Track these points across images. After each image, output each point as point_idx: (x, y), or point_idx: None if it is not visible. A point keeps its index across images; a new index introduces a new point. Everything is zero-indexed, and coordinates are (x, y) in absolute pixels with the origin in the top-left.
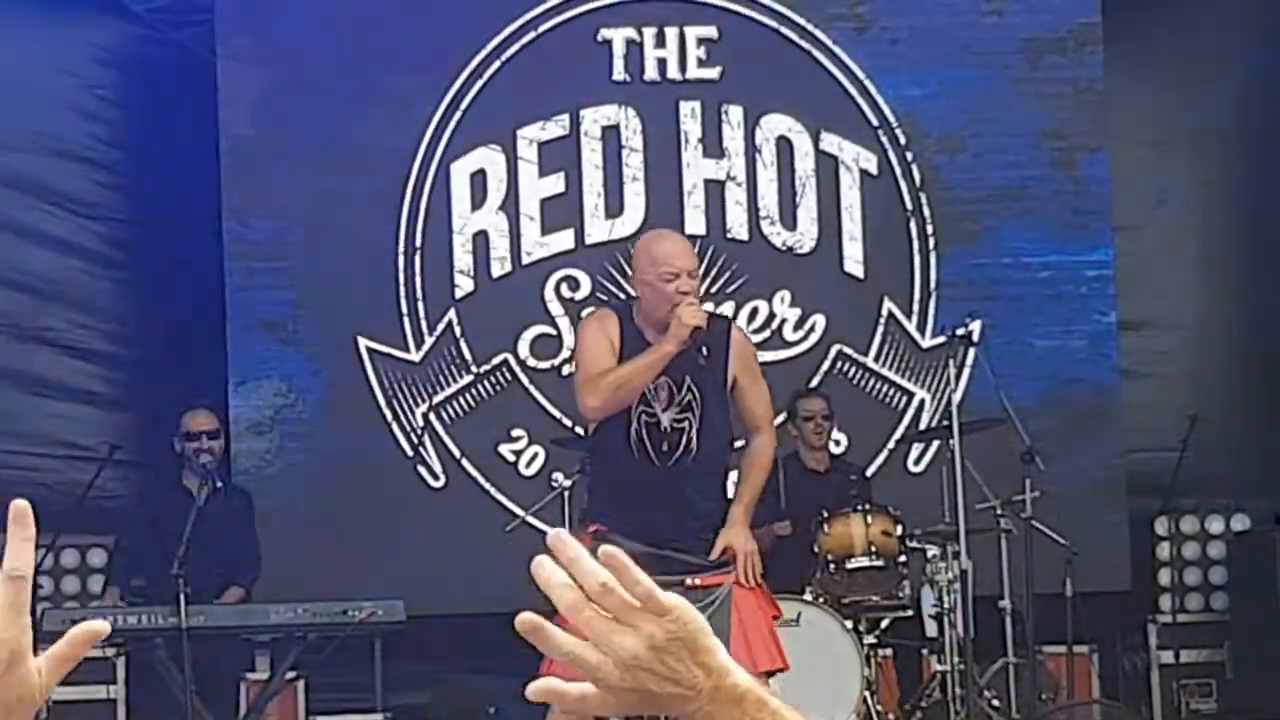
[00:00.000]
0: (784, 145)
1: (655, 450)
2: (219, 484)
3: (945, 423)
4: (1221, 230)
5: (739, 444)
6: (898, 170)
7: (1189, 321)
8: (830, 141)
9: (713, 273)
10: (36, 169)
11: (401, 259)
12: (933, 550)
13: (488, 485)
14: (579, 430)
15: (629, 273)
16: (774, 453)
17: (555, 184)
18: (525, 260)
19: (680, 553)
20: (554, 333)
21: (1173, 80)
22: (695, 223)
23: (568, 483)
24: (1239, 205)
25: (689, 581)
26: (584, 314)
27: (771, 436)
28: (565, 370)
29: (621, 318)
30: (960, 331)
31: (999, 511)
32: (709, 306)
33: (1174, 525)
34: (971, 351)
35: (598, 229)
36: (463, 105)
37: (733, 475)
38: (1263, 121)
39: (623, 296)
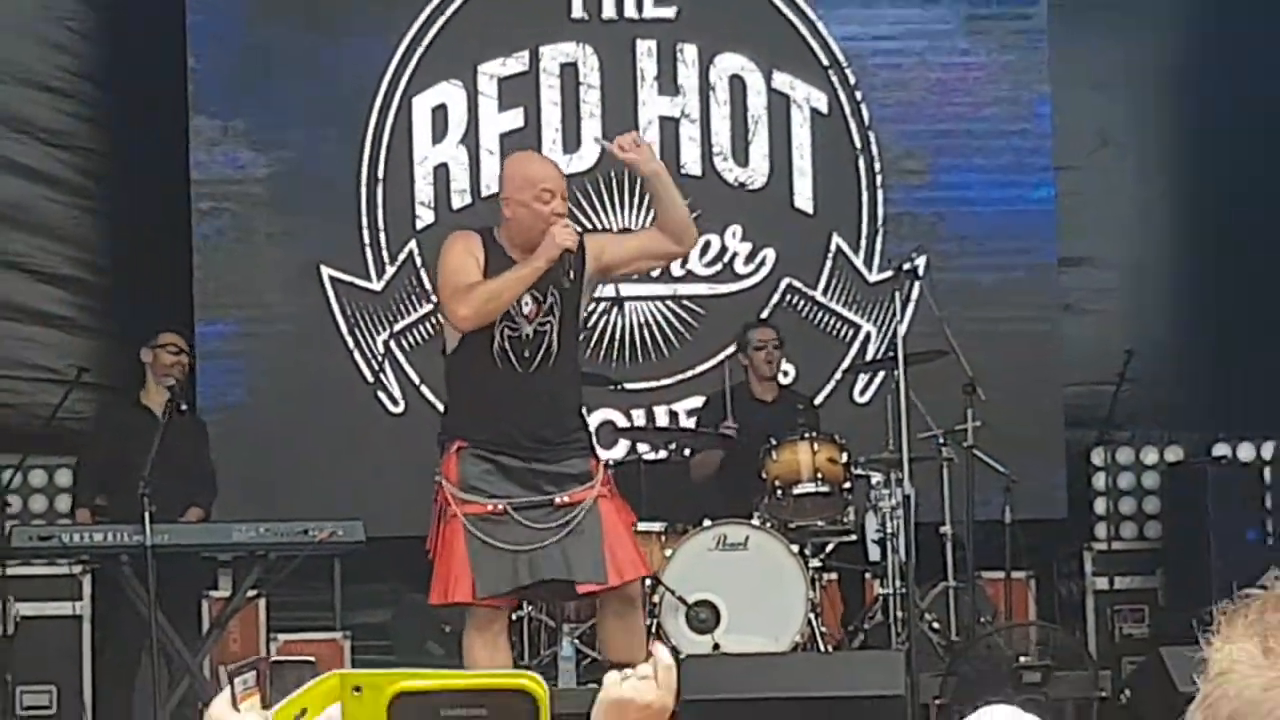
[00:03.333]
0: (737, 84)
1: (518, 358)
2: (183, 407)
3: (890, 354)
4: (1159, 170)
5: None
6: (847, 109)
7: (1127, 259)
8: (782, 80)
9: None
10: (5, 98)
11: (364, 190)
12: (877, 477)
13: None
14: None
15: (503, 194)
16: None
17: (514, 119)
18: (484, 193)
19: (543, 463)
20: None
21: (1114, 26)
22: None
23: None
24: (1177, 147)
25: (557, 500)
26: (449, 236)
27: None
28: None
29: (484, 237)
30: (906, 266)
31: (941, 441)
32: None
33: (1110, 456)
34: (916, 286)
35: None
36: (425, 41)
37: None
38: (1200, 66)
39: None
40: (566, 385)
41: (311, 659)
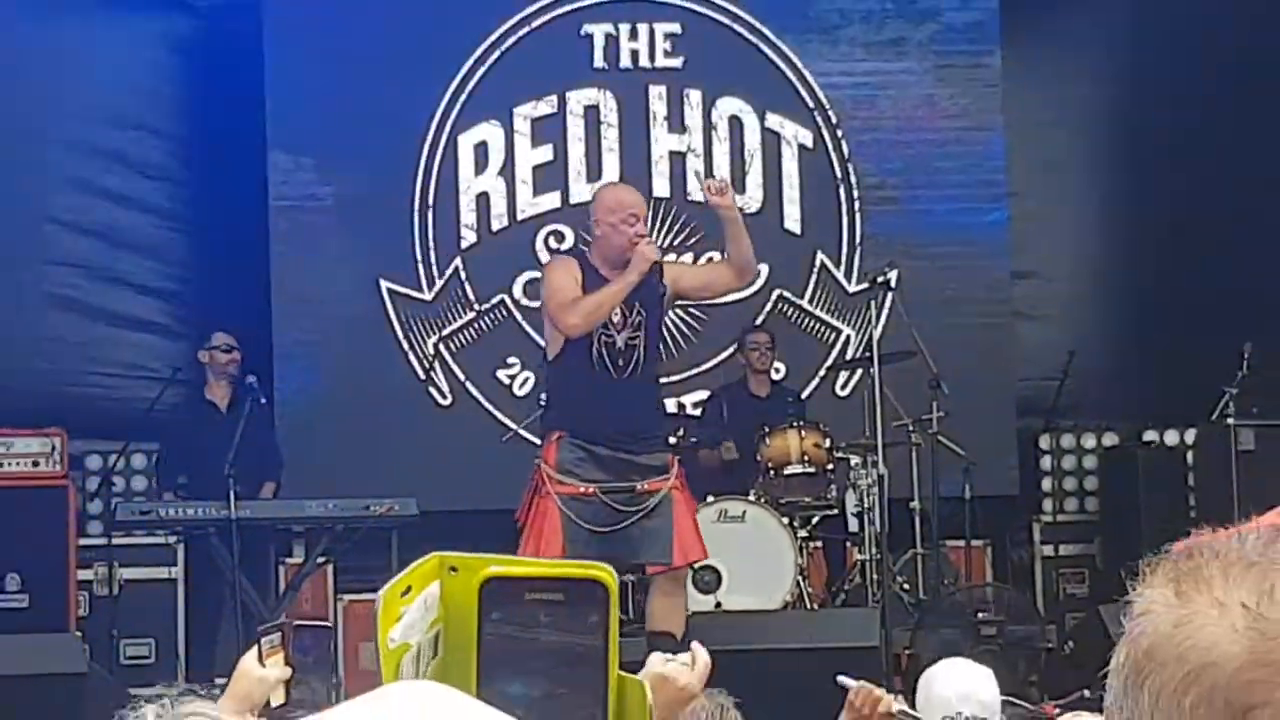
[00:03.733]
0: (735, 123)
1: (612, 364)
2: (263, 400)
3: (867, 355)
4: (1098, 195)
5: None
6: (829, 145)
7: (1070, 272)
8: (774, 120)
9: (675, 228)
10: (110, 139)
11: (416, 214)
12: (855, 460)
13: (487, 404)
14: (546, 356)
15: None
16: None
17: (545, 154)
18: (519, 217)
19: (630, 455)
20: (542, 277)
21: (1059, 73)
22: (661, 187)
23: None
24: (1112, 176)
25: (639, 487)
26: (550, 262)
27: None
28: None
29: (579, 260)
30: (880, 279)
31: (910, 428)
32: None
33: (1055, 441)
34: (889, 296)
35: (579, 191)
36: (468, 87)
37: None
38: (1131, 107)
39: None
40: (651, 389)
41: (328, 624)
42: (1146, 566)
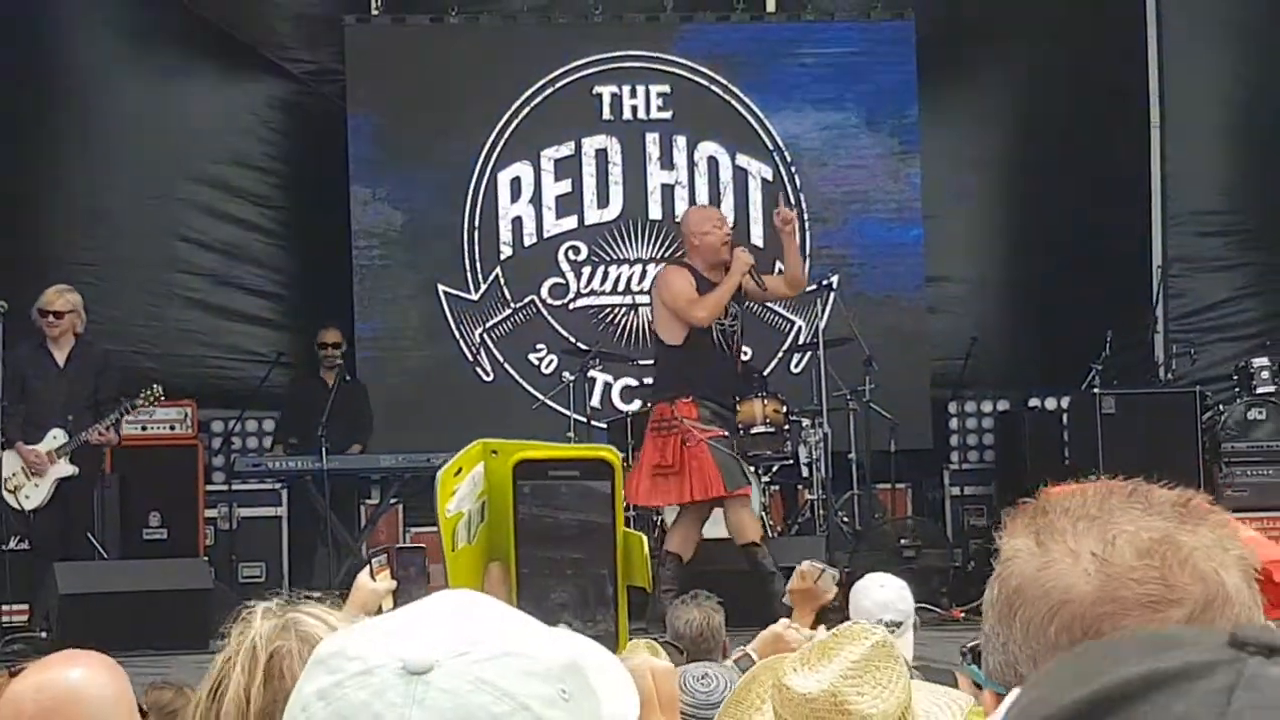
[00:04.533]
0: (712, 161)
1: (726, 345)
2: (348, 377)
3: (815, 340)
4: (995, 217)
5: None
6: (785, 179)
7: (972, 277)
8: (742, 159)
9: (666, 244)
10: (230, 175)
11: (465, 234)
12: (806, 422)
13: (520, 380)
14: (665, 342)
15: (682, 237)
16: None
17: (565, 186)
18: (545, 235)
19: (731, 410)
20: (563, 282)
21: (964, 121)
22: (655, 212)
23: (571, 378)
24: (1005, 200)
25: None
26: (657, 270)
27: None
28: (571, 307)
29: (686, 267)
30: (825, 283)
31: (848, 398)
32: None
33: (961, 407)
34: (832, 295)
35: (591, 215)
36: (505, 135)
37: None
38: (1025, 148)
39: (610, 255)
40: (738, 363)
41: (423, 546)
42: (1008, 516)
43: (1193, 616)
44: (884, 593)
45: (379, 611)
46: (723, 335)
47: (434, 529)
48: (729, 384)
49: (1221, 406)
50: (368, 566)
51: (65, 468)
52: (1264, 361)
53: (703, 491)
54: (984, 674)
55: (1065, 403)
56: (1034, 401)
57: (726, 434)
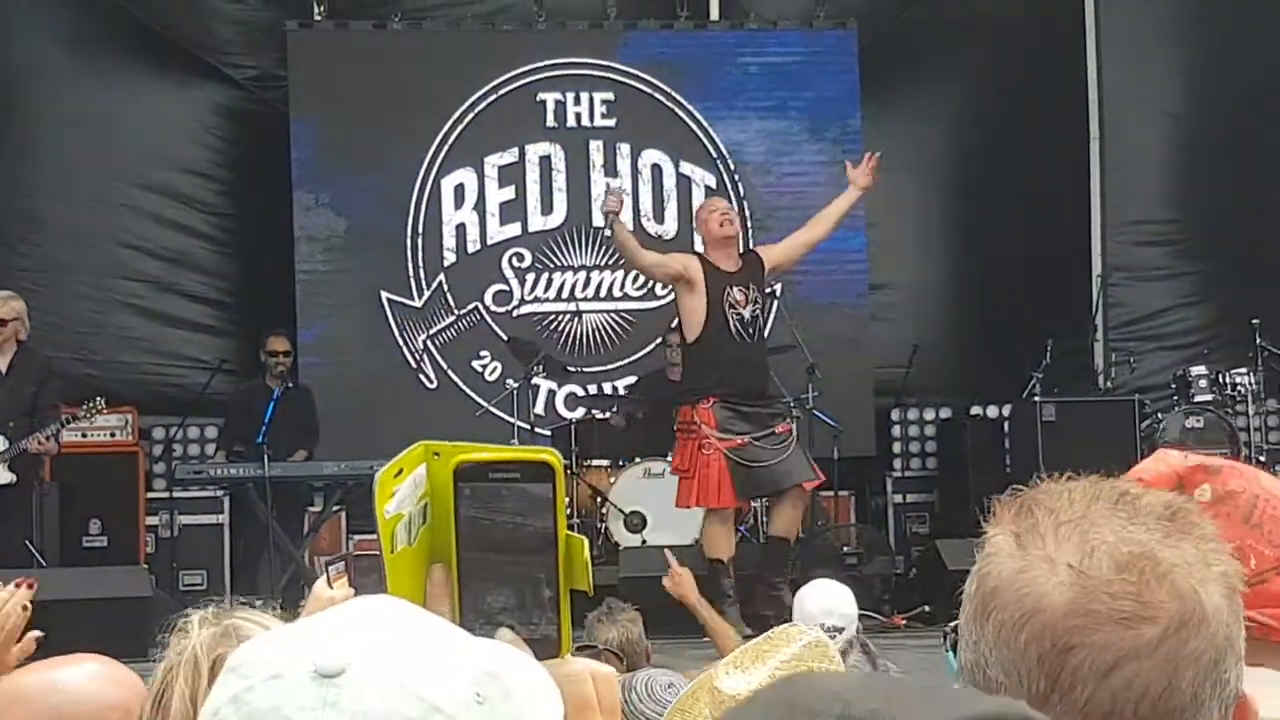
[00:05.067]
0: (656, 169)
1: (746, 335)
2: (291, 384)
3: None
4: (936, 225)
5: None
6: (729, 185)
7: (914, 285)
8: (686, 167)
9: (610, 250)
10: (172, 181)
11: (409, 240)
12: None
13: (464, 387)
14: (685, 340)
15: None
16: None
17: (508, 193)
18: (489, 242)
19: (764, 407)
20: (507, 289)
21: (906, 129)
22: (599, 219)
23: (515, 385)
24: (947, 209)
25: (778, 429)
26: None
27: None
28: (515, 314)
29: (698, 256)
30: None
31: (792, 404)
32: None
33: (903, 414)
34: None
35: (535, 222)
36: (449, 141)
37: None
38: (962, 158)
39: (554, 263)
40: (766, 351)
41: (377, 553)
42: (999, 503)
43: (1166, 635)
44: (827, 599)
45: None
46: (740, 324)
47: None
48: (752, 377)
49: (1160, 415)
50: (325, 575)
51: (3, 475)
52: (1202, 370)
53: (708, 500)
54: (956, 667)
55: (1006, 411)
56: (975, 409)
57: (744, 440)
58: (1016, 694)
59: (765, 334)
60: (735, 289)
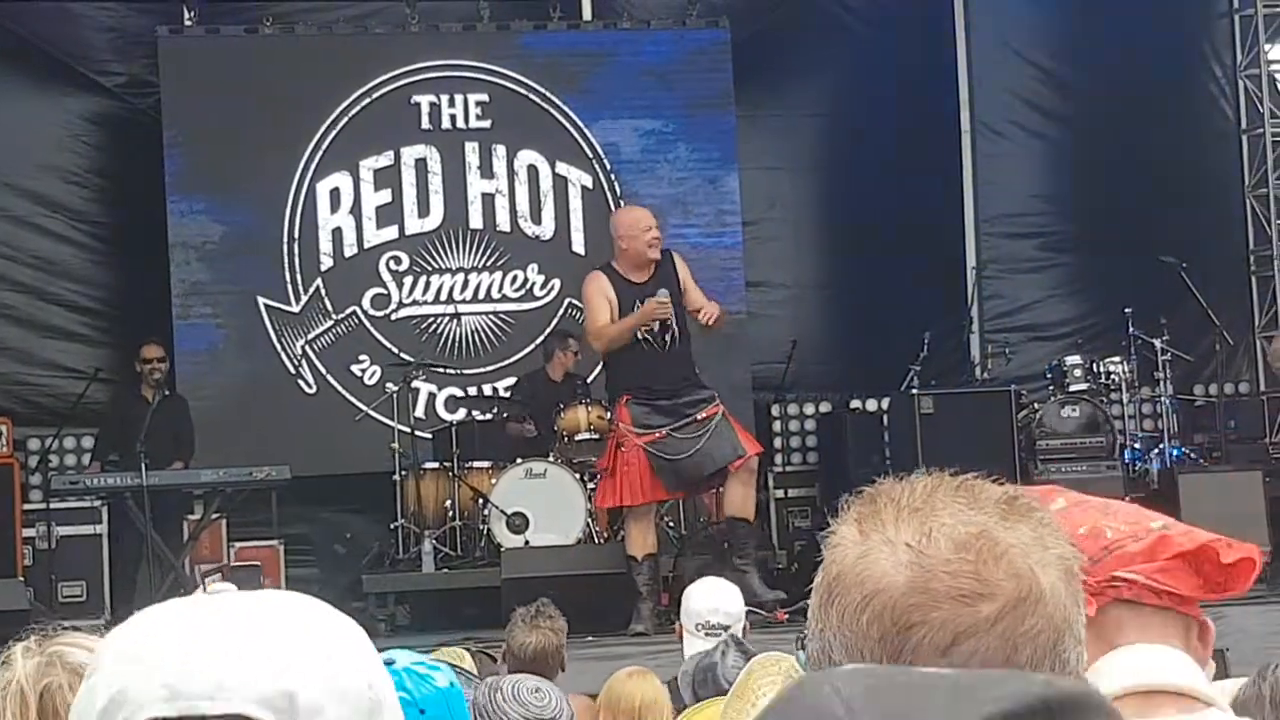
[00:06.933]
0: (532, 170)
1: (658, 343)
2: (167, 392)
3: None
4: (811, 222)
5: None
6: (605, 186)
7: (790, 281)
8: (562, 168)
9: (486, 251)
10: (47, 189)
11: (285, 245)
12: None
13: (343, 391)
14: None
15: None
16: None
17: (385, 196)
18: (366, 246)
19: (681, 399)
20: (385, 293)
21: (779, 129)
22: (475, 220)
23: (395, 389)
24: (821, 206)
25: (698, 417)
26: (586, 278)
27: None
28: (393, 317)
29: (607, 271)
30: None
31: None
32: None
33: (784, 410)
34: None
35: (412, 225)
36: (324, 145)
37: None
38: (835, 155)
39: (431, 265)
40: (687, 350)
41: (257, 563)
42: (844, 504)
43: (1003, 612)
44: (713, 597)
45: None
46: (651, 335)
47: (259, 543)
48: (664, 373)
49: (1036, 405)
50: (201, 585)
51: None
52: (1076, 360)
53: (628, 497)
54: (805, 660)
55: (885, 404)
56: (855, 403)
57: (661, 434)
58: None
59: (682, 330)
60: (643, 302)
